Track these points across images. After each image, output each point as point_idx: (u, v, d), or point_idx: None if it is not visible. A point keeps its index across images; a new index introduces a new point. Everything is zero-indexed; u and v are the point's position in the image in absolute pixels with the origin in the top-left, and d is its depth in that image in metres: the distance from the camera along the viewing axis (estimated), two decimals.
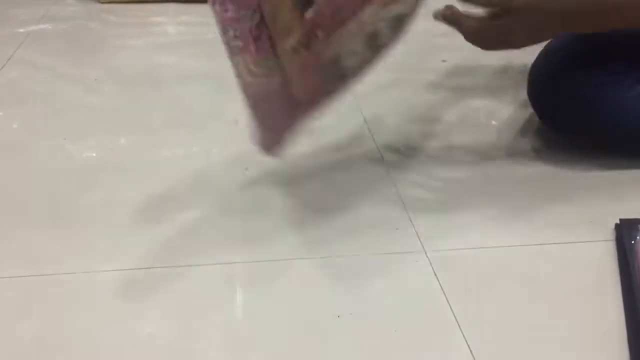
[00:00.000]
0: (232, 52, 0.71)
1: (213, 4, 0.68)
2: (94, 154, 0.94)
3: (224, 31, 0.70)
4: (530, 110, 1.01)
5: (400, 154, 0.94)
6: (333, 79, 0.69)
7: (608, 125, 0.85)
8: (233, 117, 0.98)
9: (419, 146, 0.96)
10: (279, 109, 0.72)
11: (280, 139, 0.75)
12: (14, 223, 0.78)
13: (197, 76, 1.20)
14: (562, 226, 0.78)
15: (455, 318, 0.64)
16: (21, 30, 1.40)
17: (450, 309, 0.65)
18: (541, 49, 0.98)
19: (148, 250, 0.73)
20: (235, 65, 0.72)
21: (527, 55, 0.99)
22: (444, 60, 1.23)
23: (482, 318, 0.65)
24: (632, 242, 0.72)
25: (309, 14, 0.64)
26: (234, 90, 1.14)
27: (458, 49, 1.23)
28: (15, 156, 0.93)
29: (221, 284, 0.68)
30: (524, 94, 1.00)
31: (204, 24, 1.45)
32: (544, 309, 0.66)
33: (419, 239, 0.75)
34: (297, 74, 0.68)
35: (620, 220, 0.77)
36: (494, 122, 1.02)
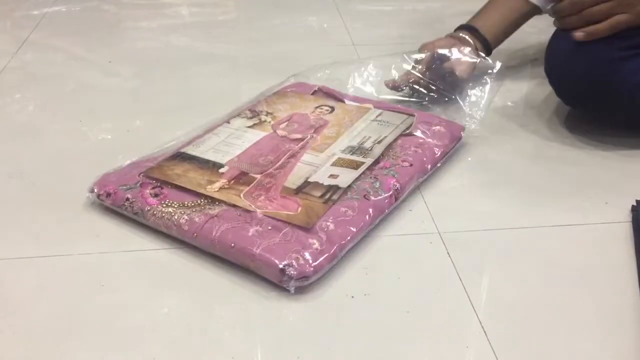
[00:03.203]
0: None
1: None
2: (110, 136, 0.94)
3: None
4: (547, 91, 1.00)
5: None
6: None
7: (626, 99, 0.84)
8: (247, 97, 0.98)
9: None
10: None
11: None
12: (29, 204, 0.79)
13: (211, 57, 1.20)
14: (578, 207, 0.78)
15: (469, 298, 0.64)
16: (35, 12, 1.40)
17: (464, 289, 0.65)
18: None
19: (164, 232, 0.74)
20: None
21: (543, 34, 0.98)
22: None
23: (496, 298, 0.65)
24: None
25: None
26: (247, 71, 1.15)
27: None
28: (31, 138, 0.93)
29: (236, 264, 0.68)
30: (540, 74, 0.99)
31: (216, 4, 1.45)
32: (559, 289, 0.66)
33: (433, 220, 0.75)
34: None
35: (637, 201, 0.76)
36: (509, 103, 1.02)
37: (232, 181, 0.76)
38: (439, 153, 0.83)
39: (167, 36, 1.30)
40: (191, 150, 0.83)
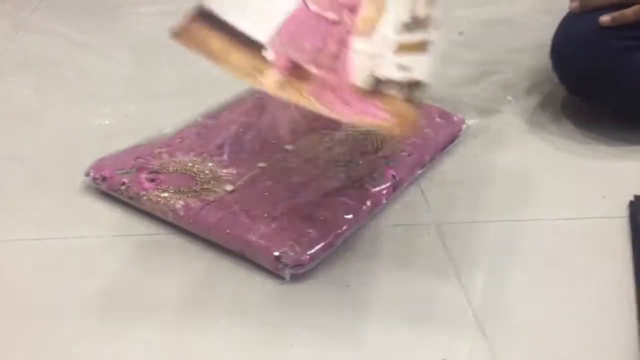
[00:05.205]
0: None
1: None
2: (107, 122, 0.94)
3: None
4: (550, 83, 1.00)
5: None
6: None
7: (631, 90, 0.84)
8: (245, 84, 0.97)
9: None
10: None
11: None
12: (26, 188, 0.78)
13: None
14: (576, 201, 0.78)
15: (464, 290, 0.64)
16: None
17: (459, 281, 0.65)
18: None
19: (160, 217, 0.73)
20: None
21: (546, 28, 0.98)
22: (461, 33, 1.21)
23: (491, 291, 0.65)
24: None
25: None
26: None
27: (475, 22, 1.21)
28: (29, 123, 0.93)
29: (234, 253, 0.68)
30: (541, 67, 0.99)
31: None
32: (556, 283, 0.66)
33: (430, 211, 0.75)
34: None
35: (635, 196, 0.76)
36: (508, 98, 1.01)
37: (286, 73, 0.59)
38: (439, 145, 0.83)
39: (165, 21, 1.28)
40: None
